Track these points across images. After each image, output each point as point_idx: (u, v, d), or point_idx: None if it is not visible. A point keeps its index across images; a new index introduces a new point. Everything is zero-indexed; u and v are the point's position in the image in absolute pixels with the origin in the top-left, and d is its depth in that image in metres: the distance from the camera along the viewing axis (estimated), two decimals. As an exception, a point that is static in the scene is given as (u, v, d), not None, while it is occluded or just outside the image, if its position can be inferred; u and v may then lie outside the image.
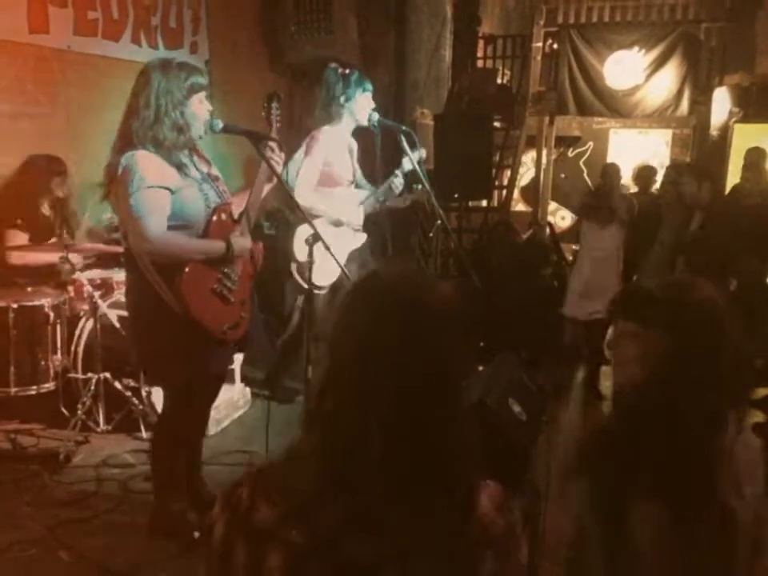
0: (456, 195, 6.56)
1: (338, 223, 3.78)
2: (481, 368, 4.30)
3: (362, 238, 3.95)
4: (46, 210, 4.04)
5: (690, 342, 1.32)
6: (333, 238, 3.74)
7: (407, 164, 3.86)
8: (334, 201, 3.78)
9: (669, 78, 8.12)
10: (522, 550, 1.05)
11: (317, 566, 0.95)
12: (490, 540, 1.00)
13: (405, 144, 3.77)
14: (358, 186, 4.01)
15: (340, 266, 2.83)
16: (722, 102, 7.89)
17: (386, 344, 0.99)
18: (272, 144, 2.67)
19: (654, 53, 8.13)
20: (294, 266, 3.73)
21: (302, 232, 3.66)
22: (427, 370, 1.00)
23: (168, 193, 2.45)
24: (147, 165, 2.40)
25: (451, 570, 0.97)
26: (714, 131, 7.98)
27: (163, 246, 2.45)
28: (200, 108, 2.54)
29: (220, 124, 2.59)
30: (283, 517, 0.97)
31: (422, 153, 4.05)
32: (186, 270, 2.46)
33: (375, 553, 0.95)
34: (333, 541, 0.95)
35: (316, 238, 2.85)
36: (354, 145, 3.97)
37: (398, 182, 3.89)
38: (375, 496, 0.96)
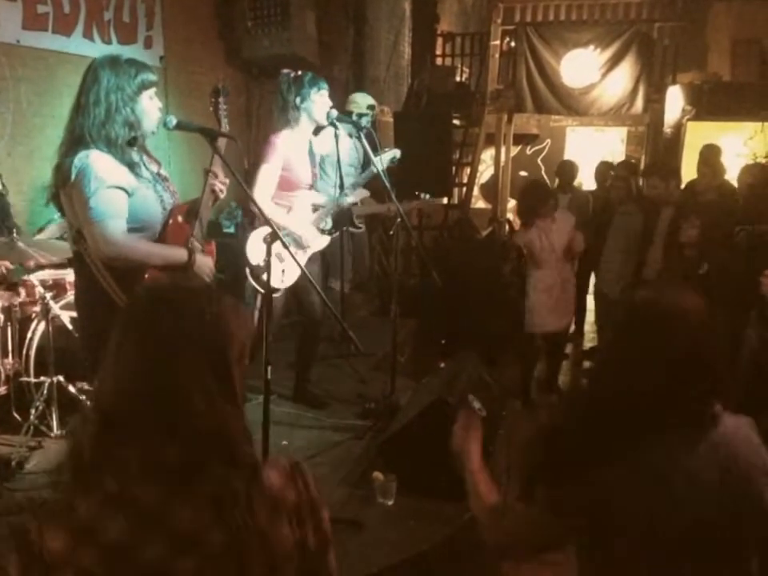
0: (416, 193, 6.57)
1: (296, 238, 3.77)
2: (442, 365, 4.33)
3: (325, 240, 3.93)
4: None
5: (626, 343, 1.37)
6: (293, 243, 3.73)
7: (378, 164, 3.87)
8: (291, 212, 3.77)
9: (624, 76, 8.25)
10: (322, 514, 1.15)
11: None
12: (284, 508, 1.10)
13: (365, 142, 3.78)
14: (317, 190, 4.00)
15: (300, 267, 2.80)
16: (675, 100, 8.05)
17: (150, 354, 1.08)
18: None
19: (610, 51, 8.25)
20: (247, 271, 3.71)
21: (257, 235, 3.63)
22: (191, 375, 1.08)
23: (125, 194, 2.39)
24: (103, 165, 2.35)
25: (246, 543, 1.04)
26: (667, 129, 8.14)
27: (126, 250, 2.39)
28: (150, 105, 2.49)
29: (174, 120, 2.54)
30: (71, 543, 1.00)
31: (396, 153, 4.05)
32: (145, 275, 2.41)
33: (168, 552, 1.00)
34: (122, 552, 0.99)
35: (274, 237, 2.82)
36: (318, 149, 3.96)
37: (345, 201, 3.91)
38: (152, 500, 1.02)
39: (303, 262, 3.78)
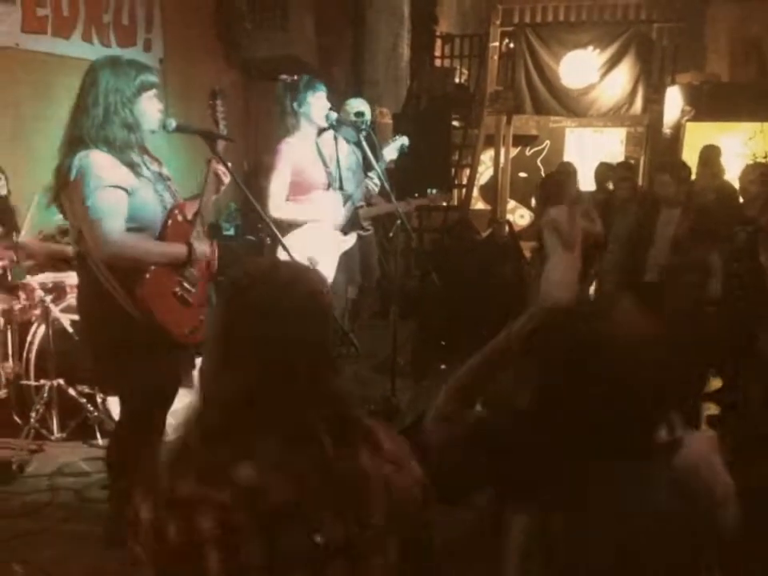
0: (416, 194, 6.58)
1: (316, 221, 3.77)
2: (443, 367, 4.32)
3: (352, 239, 3.94)
4: None
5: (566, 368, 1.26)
6: (320, 244, 3.73)
7: (388, 154, 3.88)
8: (311, 205, 3.77)
9: (622, 77, 8.26)
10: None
11: (245, 517, 1.06)
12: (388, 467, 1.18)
13: (363, 142, 3.79)
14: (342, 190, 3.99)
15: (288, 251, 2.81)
16: (674, 101, 8.05)
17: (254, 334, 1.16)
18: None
19: (608, 52, 8.26)
20: None
21: (288, 240, 3.63)
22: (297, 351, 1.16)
23: (125, 194, 2.39)
24: (102, 165, 2.35)
25: (355, 494, 1.13)
26: (666, 129, 8.14)
27: (125, 249, 2.39)
28: (150, 105, 2.49)
29: (173, 123, 2.54)
30: (202, 481, 1.07)
31: (404, 140, 4.05)
32: (147, 275, 2.41)
33: (295, 493, 1.09)
34: (255, 490, 1.07)
35: (276, 240, 2.83)
36: (332, 151, 3.95)
37: (372, 183, 3.91)
38: (275, 450, 1.11)
39: (333, 268, 3.79)
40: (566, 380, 1.25)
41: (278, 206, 3.62)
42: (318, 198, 3.79)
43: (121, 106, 2.38)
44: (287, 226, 3.61)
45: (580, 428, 1.22)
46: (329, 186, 3.86)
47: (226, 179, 2.68)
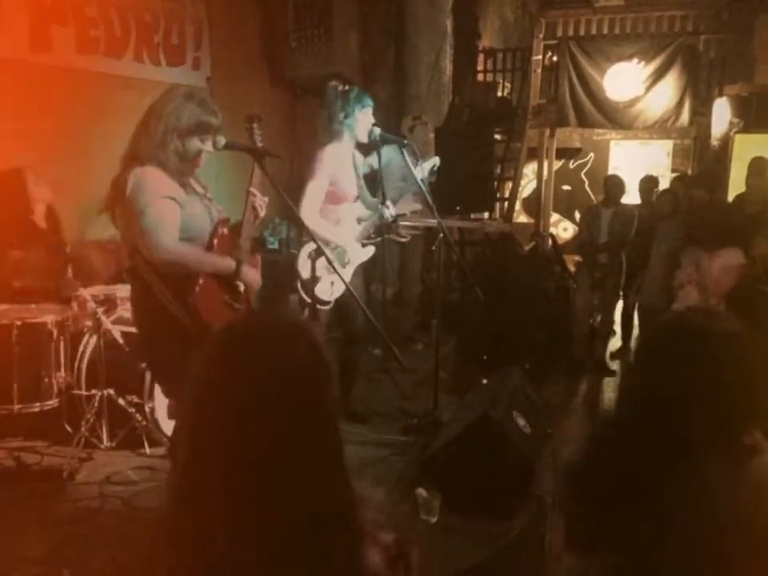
0: (458, 208, 6.58)
1: (342, 256, 3.80)
2: (485, 381, 4.31)
3: (370, 251, 3.96)
4: (40, 221, 4.05)
5: (661, 375, 1.30)
6: (338, 257, 3.77)
7: (418, 174, 3.89)
8: (339, 225, 3.81)
9: (669, 89, 8.16)
10: None
11: None
12: None
13: (407, 157, 3.81)
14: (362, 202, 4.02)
15: (344, 282, 2.83)
16: (722, 113, 7.92)
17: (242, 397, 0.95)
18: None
19: (654, 64, 8.17)
20: (298, 283, 3.76)
21: (307, 249, 3.67)
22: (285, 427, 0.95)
23: (177, 205, 2.49)
24: (156, 178, 2.45)
25: None
26: (714, 141, 8.01)
27: (179, 257, 2.49)
28: (200, 146, 2.56)
29: (222, 141, 2.61)
30: None
31: (436, 161, 4.05)
32: (200, 281, 2.50)
33: None
34: None
35: (318, 253, 2.86)
36: (361, 162, 3.98)
37: (388, 212, 3.88)
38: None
39: (349, 275, 3.81)
40: (682, 374, 1.27)
41: (307, 216, 3.64)
42: (347, 210, 3.83)
43: (176, 135, 2.49)
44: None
45: (676, 431, 1.24)
46: (357, 198, 3.90)
47: (262, 212, 2.75)
